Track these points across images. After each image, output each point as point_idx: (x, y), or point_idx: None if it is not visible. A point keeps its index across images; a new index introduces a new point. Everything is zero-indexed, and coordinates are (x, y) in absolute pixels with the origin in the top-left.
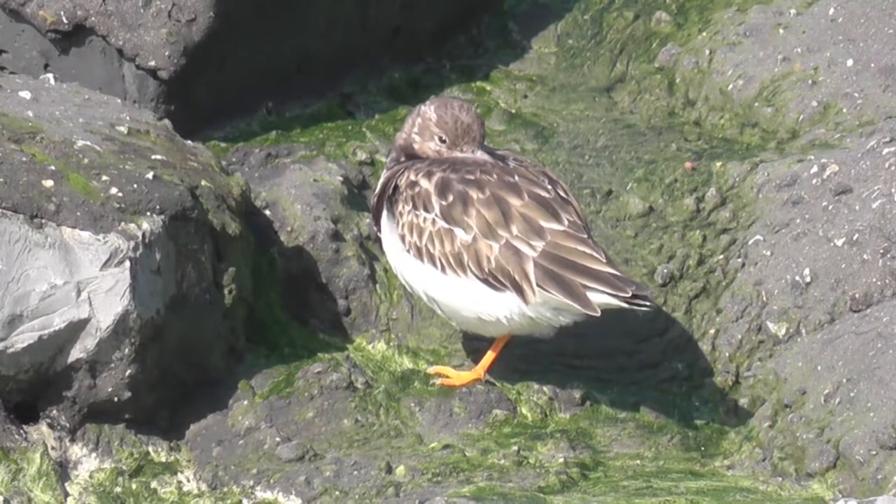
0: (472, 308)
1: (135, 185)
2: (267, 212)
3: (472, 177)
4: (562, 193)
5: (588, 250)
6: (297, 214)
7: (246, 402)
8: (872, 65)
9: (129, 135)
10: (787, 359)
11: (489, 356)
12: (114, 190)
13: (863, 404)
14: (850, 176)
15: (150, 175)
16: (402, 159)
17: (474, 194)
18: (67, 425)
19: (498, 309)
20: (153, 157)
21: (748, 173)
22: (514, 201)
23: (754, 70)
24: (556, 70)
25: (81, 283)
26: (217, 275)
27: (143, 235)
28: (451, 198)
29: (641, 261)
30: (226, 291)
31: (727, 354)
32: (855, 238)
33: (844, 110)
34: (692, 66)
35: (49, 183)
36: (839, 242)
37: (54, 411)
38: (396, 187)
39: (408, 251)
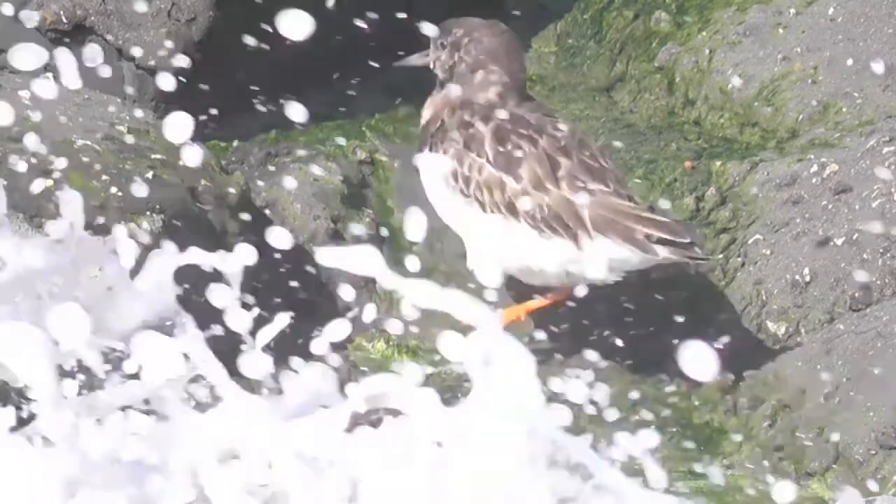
0: (521, 256)
1: (134, 185)
2: (267, 211)
3: (525, 131)
4: (602, 162)
5: (637, 206)
6: (296, 214)
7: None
8: (872, 64)
9: (129, 134)
10: (787, 358)
11: (539, 302)
12: (113, 189)
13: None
14: (850, 175)
15: (149, 174)
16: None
17: (527, 147)
18: None
19: (549, 257)
20: (153, 156)
21: (748, 172)
22: (564, 161)
23: (754, 69)
24: (556, 69)
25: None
26: (216, 275)
27: (143, 235)
28: (507, 146)
29: None
30: None
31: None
32: (854, 237)
33: (844, 110)
34: (692, 65)
35: (48, 182)
36: (839, 242)
37: None
38: (443, 123)
39: (455, 194)
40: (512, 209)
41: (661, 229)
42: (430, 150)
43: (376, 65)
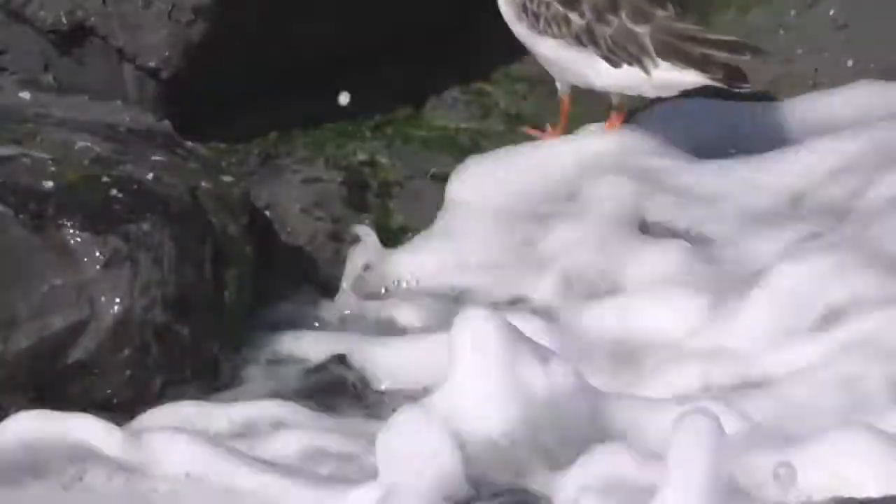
0: (595, 82)
1: (135, 186)
2: (267, 212)
3: None
4: None
5: (697, 27)
6: (296, 215)
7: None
8: (872, 65)
9: (129, 135)
10: None
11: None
12: (114, 191)
13: None
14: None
15: (150, 176)
16: None
17: None
18: None
19: (621, 82)
20: (153, 158)
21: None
22: None
23: (754, 72)
24: None
25: (82, 284)
26: (217, 275)
27: (144, 236)
28: None
29: None
30: (226, 293)
31: None
32: None
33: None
34: None
35: (49, 184)
36: None
37: None
38: None
39: (529, 29)
40: (580, 41)
41: (721, 48)
42: None
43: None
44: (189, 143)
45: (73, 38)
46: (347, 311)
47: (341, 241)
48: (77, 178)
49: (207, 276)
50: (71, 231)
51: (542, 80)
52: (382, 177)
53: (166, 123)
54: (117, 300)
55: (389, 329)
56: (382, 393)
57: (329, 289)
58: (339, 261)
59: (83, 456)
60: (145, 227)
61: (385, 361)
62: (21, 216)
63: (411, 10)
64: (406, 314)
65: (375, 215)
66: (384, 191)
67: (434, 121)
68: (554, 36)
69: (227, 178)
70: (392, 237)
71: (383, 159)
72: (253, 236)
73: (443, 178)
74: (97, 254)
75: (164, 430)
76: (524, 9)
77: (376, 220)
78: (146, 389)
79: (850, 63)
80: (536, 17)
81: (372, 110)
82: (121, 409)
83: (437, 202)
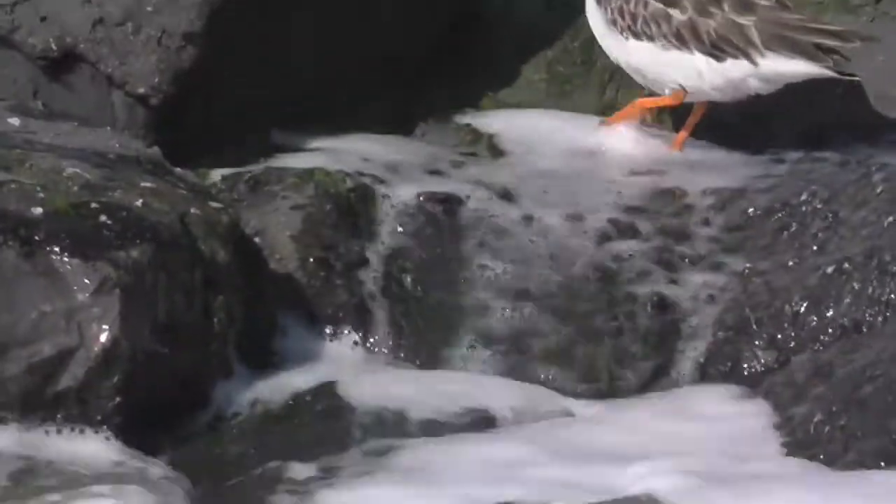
0: (698, 81)
1: (124, 213)
2: (256, 239)
3: None
4: None
5: (798, 16)
6: (285, 242)
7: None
8: (862, 91)
9: (118, 162)
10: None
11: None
12: (103, 217)
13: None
14: (839, 202)
15: (139, 202)
16: None
17: None
18: None
19: (725, 77)
20: (142, 184)
21: (737, 198)
22: None
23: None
24: (546, 97)
25: (71, 311)
26: (207, 302)
27: (133, 263)
28: None
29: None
30: (215, 319)
31: (716, 381)
32: (844, 266)
33: (833, 138)
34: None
35: (38, 210)
36: (829, 270)
37: None
38: None
39: (622, 33)
40: (681, 38)
41: (829, 37)
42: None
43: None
44: (178, 170)
45: (62, 64)
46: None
47: (331, 268)
48: (66, 205)
49: (196, 304)
50: (60, 258)
51: (532, 107)
52: (372, 204)
53: (155, 150)
54: (106, 327)
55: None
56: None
57: (319, 316)
58: (330, 288)
59: None
60: (134, 253)
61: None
62: (10, 242)
63: (402, 37)
64: None
65: (365, 243)
66: (373, 218)
67: (424, 146)
68: (651, 38)
69: (217, 205)
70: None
71: (373, 186)
72: (242, 263)
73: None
74: (86, 280)
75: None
76: (621, 11)
77: (365, 248)
78: (135, 417)
79: (838, 91)
80: (634, 18)
81: (361, 135)
82: (110, 437)
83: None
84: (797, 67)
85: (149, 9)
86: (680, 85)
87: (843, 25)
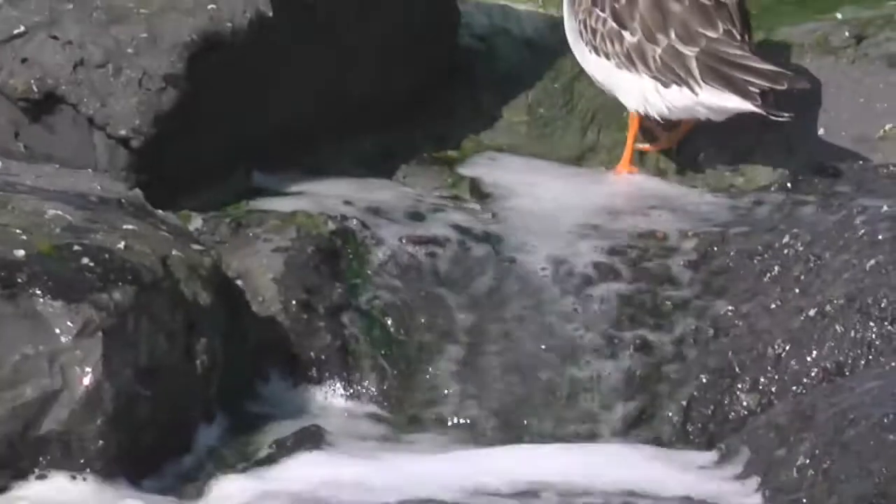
0: (646, 102)
1: (106, 255)
2: (238, 282)
3: None
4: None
5: (740, 52)
6: (268, 285)
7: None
8: (843, 134)
9: (100, 204)
10: (760, 430)
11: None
12: (85, 260)
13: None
14: (822, 246)
15: (121, 245)
16: None
17: None
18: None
19: (670, 102)
20: (124, 226)
21: (720, 243)
22: (675, 6)
23: (726, 139)
24: (527, 139)
25: (54, 354)
26: (189, 345)
27: (115, 306)
28: (622, 0)
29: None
30: (198, 362)
31: (700, 424)
32: (826, 309)
33: (816, 180)
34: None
35: (20, 253)
36: (811, 313)
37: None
38: None
39: (586, 45)
40: (630, 60)
41: (759, 76)
42: (571, 2)
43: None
44: (160, 212)
45: (43, 106)
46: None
47: (314, 311)
48: (48, 247)
49: (179, 346)
50: (42, 300)
51: (513, 149)
52: (354, 247)
53: (137, 192)
54: (89, 370)
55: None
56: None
57: (301, 359)
58: (312, 331)
59: None
60: (116, 296)
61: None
62: None
63: (383, 79)
64: None
65: (347, 285)
66: (356, 260)
67: (406, 188)
68: (607, 55)
69: (198, 248)
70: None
71: (355, 228)
72: (224, 306)
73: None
74: (69, 323)
75: None
76: (585, 24)
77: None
78: (118, 462)
79: (821, 132)
80: (594, 33)
81: (343, 181)
82: (93, 480)
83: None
84: (729, 102)
85: (129, 51)
86: (636, 107)
87: (779, 67)
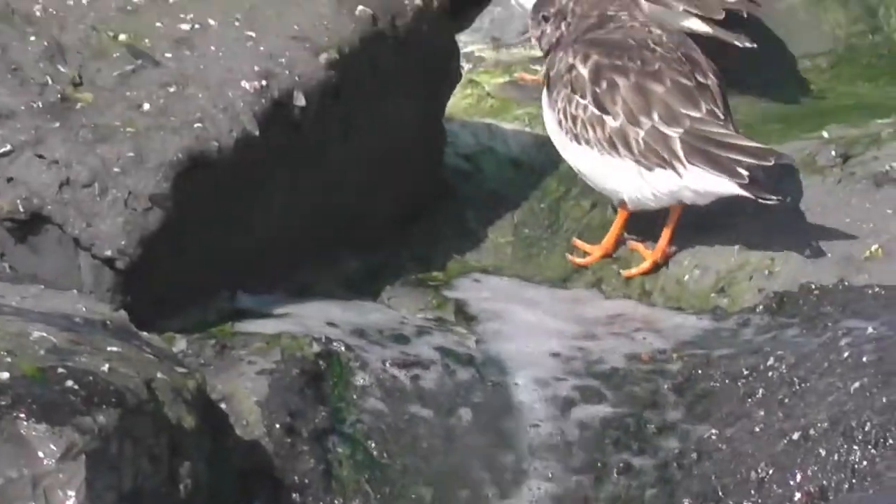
0: (629, 188)
1: (90, 378)
2: (223, 405)
3: (620, 62)
4: (700, 78)
5: (724, 130)
6: (252, 408)
7: None
8: (829, 254)
9: (85, 325)
10: None
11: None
12: (69, 382)
13: None
14: (806, 368)
15: (105, 367)
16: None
17: (621, 81)
18: None
19: (655, 186)
20: (109, 348)
21: (704, 365)
22: (657, 88)
23: (710, 260)
24: (513, 260)
25: (37, 477)
26: (173, 468)
27: (99, 429)
28: (603, 84)
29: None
30: (181, 486)
31: None
32: (810, 432)
33: (801, 301)
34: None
35: (5, 375)
36: (794, 437)
37: None
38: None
39: (566, 134)
40: (613, 145)
41: (745, 154)
42: (549, 93)
43: (333, 255)
44: (144, 334)
45: (29, 226)
46: None
47: (298, 434)
48: (33, 369)
49: (163, 470)
50: (26, 423)
51: (499, 270)
52: (338, 369)
53: (122, 314)
54: (72, 493)
55: None
56: None
57: (285, 483)
58: (296, 454)
59: None
60: (100, 419)
61: None
62: None
63: (370, 198)
64: None
65: (331, 408)
66: (340, 383)
67: (390, 310)
68: (589, 142)
69: (182, 370)
70: (349, 430)
71: (339, 350)
72: (208, 429)
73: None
74: (52, 447)
75: None
76: (565, 113)
77: (332, 414)
78: None
79: (807, 253)
80: (574, 120)
81: (328, 298)
82: None
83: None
84: (716, 184)
85: (115, 170)
86: (619, 195)
87: (761, 144)
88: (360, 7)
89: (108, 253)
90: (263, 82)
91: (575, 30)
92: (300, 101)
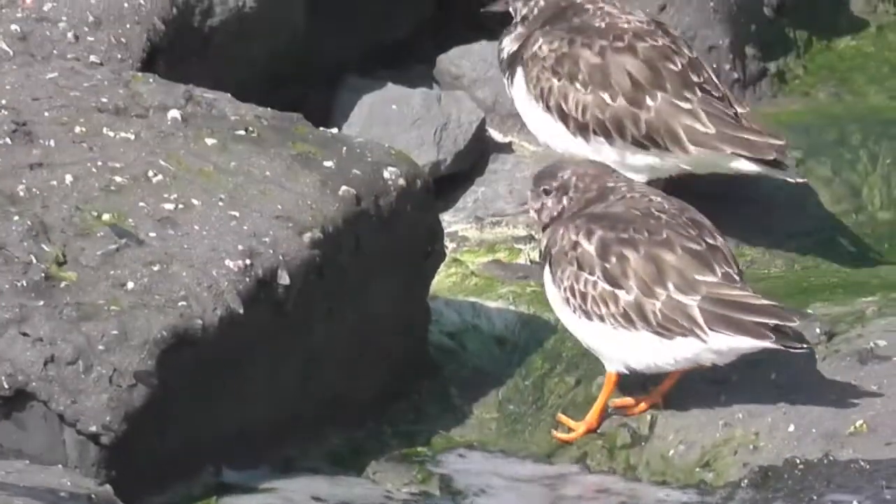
0: (647, 358)
1: None
2: None
3: (626, 235)
4: (709, 240)
5: (743, 292)
6: None
7: None
8: (814, 430)
9: (70, 500)
10: None
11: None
12: None
13: None
14: None
15: None
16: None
17: (630, 255)
18: None
19: (674, 354)
20: None
21: None
22: (669, 258)
23: (696, 435)
24: (498, 436)
25: None
26: None
27: None
28: (612, 259)
29: None
30: None
31: None
32: None
33: (786, 476)
34: (632, 431)
35: None
36: None
37: None
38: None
39: (574, 312)
40: (629, 318)
41: (770, 315)
42: (552, 271)
43: (317, 431)
44: None
45: (14, 402)
46: None
47: None
48: None
49: None
50: None
51: (483, 446)
52: None
53: (107, 488)
54: None
55: None
56: None
57: None
58: None
59: None
60: None
61: None
62: None
63: (353, 374)
64: None
65: None
66: None
67: (375, 485)
68: (602, 318)
69: None
70: None
71: None
72: None
73: None
74: None
75: None
76: (572, 290)
77: None
78: None
79: (791, 429)
80: (584, 297)
81: (313, 474)
82: None
83: None
84: (742, 344)
85: (100, 348)
86: (629, 366)
87: (784, 304)
88: (344, 187)
89: (93, 429)
90: (247, 261)
91: (576, 204)
92: (284, 279)
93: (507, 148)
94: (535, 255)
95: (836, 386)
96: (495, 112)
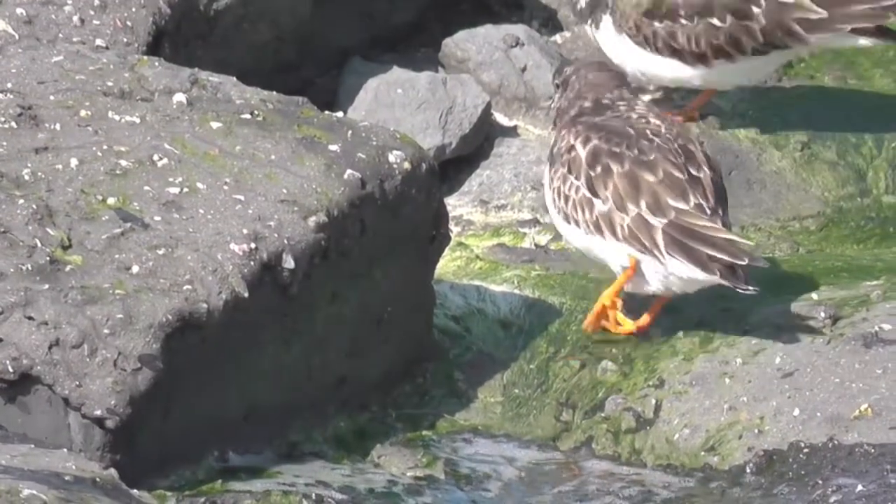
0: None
1: None
2: None
3: (617, 149)
4: (693, 170)
5: (707, 224)
6: None
7: None
8: (818, 414)
9: (75, 483)
10: None
11: (648, 316)
12: None
13: None
14: None
15: None
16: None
17: (615, 167)
18: None
19: (643, 272)
20: None
21: None
22: (648, 177)
23: (700, 419)
24: (502, 419)
25: None
26: None
27: None
28: (598, 168)
29: None
30: None
31: None
32: None
33: (790, 459)
34: (637, 415)
35: None
36: None
37: None
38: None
39: (559, 213)
40: (599, 228)
41: (724, 251)
42: (549, 169)
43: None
44: (134, 492)
45: (18, 385)
46: None
47: None
48: None
49: None
50: None
51: (489, 429)
52: None
53: (112, 472)
54: None
55: None
56: None
57: None
58: None
59: None
60: None
61: None
62: None
63: (358, 358)
64: None
65: None
66: None
67: (380, 469)
68: (577, 223)
69: None
70: None
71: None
72: None
73: None
74: None
75: None
76: (558, 192)
77: None
78: None
79: (796, 413)
80: (566, 200)
81: (318, 458)
82: None
83: None
84: (692, 274)
85: (105, 331)
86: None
87: (741, 240)
88: (349, 170)
89: (98, 412)
90: (252, 245)
91: (570, 106)
92: (289, 263)
93: (512, 132)
94: (540, 239)
95: (840, 370)
96: (500, 96)
